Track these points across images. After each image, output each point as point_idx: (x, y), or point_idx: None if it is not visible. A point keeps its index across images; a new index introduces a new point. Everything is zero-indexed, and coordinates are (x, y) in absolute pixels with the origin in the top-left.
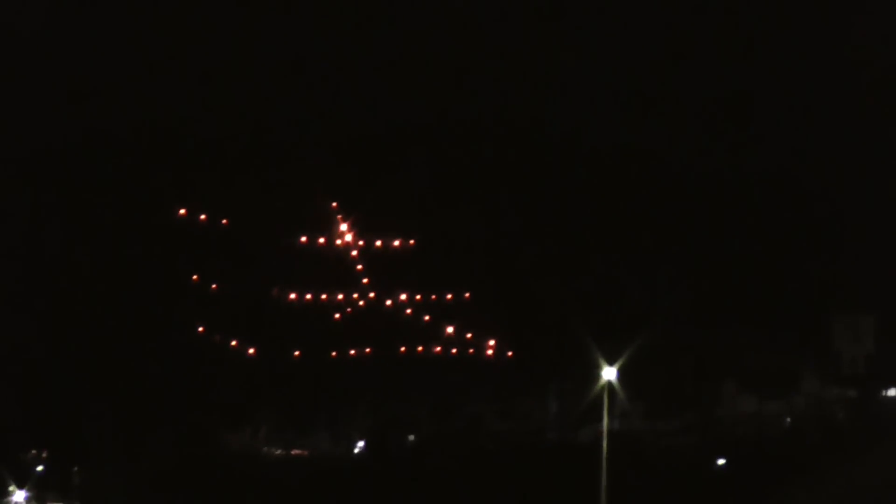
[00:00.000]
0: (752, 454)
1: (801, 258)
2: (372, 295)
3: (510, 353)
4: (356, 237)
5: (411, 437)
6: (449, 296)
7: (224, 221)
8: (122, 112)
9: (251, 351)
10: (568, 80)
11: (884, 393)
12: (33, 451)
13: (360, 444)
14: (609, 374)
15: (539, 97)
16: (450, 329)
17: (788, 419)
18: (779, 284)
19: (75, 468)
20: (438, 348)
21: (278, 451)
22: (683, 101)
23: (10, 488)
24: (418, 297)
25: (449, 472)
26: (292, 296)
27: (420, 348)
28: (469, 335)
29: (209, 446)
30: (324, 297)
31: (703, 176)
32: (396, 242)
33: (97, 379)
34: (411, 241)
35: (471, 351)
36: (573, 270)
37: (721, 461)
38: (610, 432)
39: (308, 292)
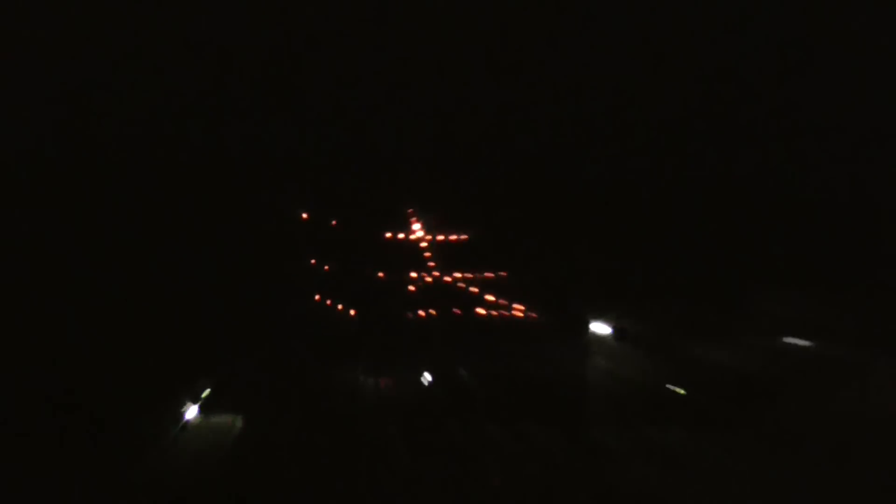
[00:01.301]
0: None
1: None
2: (436, 274)
3: (534, 315)
4: (425, 234)
5: (464, 374)
6: (490, 274)
7: (333, 223)
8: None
9: (352, 312)
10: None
11: None
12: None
13: (428, 377)
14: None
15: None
16: (490, 297)
17: None
18: (873, 261)
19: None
20: (483, 311)
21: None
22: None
23: (185, 406)
24: (469, 275)
25: (496, 400)
26: (381, 274)
27: (469, 311)
28: (503, 301)
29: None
30: (403, 276)
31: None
32: (453, 237)
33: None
34: (464, 237)
35: (505, 313)
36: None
37: None
38: None
39: (393, 272)
